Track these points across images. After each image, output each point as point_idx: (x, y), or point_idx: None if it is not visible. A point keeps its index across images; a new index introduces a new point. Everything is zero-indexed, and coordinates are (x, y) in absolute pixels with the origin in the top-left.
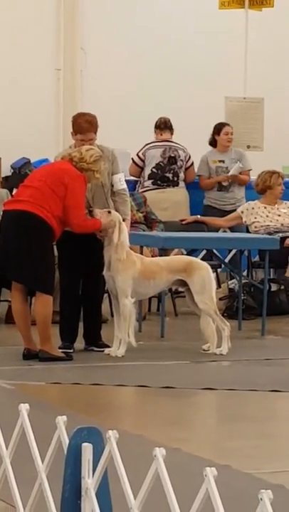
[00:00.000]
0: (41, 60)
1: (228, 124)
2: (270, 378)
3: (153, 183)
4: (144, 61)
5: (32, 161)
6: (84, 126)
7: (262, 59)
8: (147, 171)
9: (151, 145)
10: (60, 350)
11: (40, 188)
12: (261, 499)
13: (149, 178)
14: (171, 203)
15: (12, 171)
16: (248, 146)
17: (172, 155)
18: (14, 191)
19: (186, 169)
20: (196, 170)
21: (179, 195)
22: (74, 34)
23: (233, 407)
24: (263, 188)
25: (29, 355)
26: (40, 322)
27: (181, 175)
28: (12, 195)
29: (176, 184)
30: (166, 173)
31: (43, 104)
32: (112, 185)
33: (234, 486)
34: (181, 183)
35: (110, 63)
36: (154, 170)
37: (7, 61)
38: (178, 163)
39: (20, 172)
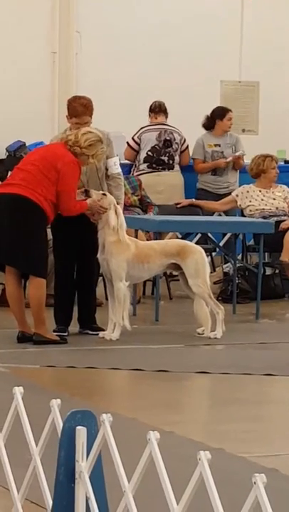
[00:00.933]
0: (36, 42)
1: (230, 110)
2: (264, 362)
3: (148, 167)
4: (140, 44)
5: (27, 144)
6: (79, 109)
7: (257, 43)
8: (143, 155)
9: (146, 128)
10: (55, 334)
11: (33, 172)
12: (255, 483)
13: (144, 162)
14: (166, 186)
15: (7, 153)
16: (243, 130)
17: (168, 138)
18: (9, 174)
19: (182, 152)
20: (191, 153)
21: (174, 178)
22: (69, 17)
23: (227, 391)
24: (257, 173)
25: (23, 338)
26: (34, 305)
27: (177, 158)
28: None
29: (171, 167)
30: (161, 156)
31: (39, 87)
32: (107, 169)
33: (227, 470)
34: (177, 167)
35: (105, 46)
36: (149, 153)
37: (2, 44)
38: (173, 146)
39: (16, 155)
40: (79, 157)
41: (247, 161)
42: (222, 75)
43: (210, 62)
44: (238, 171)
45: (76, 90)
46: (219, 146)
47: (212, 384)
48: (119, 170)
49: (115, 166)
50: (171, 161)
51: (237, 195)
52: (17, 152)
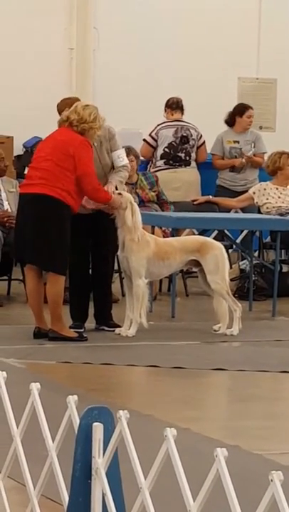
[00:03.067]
0: (54, 39)
1: (251, 108)
2: (281, 359)
3: (165, 163)
4: (157, 41)
5: None
6: (63, 108)
7: (275, 40)
8: (160, 151)
9: (163, 125)
10: (72, 330)
11: (49, 168)
12: (272, 480)
13: (161, 158)
14: (182, 182)
15: (24, 149)
16: (261, 127)
17: (184, 134)
18: (27, 170)
19: (198, 148)
20: (208, 149)
21: (190, 175)
22: (87, 13)
23: (243, 388)
24: (273, 170)
25: (40, 334)
26: (51, 302)
27: (193, 154)
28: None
29: (188, 164)
30: (178, 153)
31: (56, 84)
32: (112, 163)
33: (244, 467)
34: (193, 163)
35: (123, 43)
36: (166, 150)
37: (20, 40)
38: (190, 143)
39: (33, 151)
40: (87, 133)
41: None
42: (240, 72)
43: (228, 59)
44: (258, 168)
45: (93, 86)
46: (238, 142)
47: (228, 381)
48: (125, 161)
49: (120, 158)
50: (188, 158)
51: (254, 193)
52: (34, 148)
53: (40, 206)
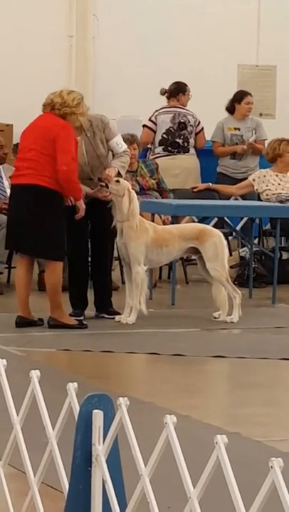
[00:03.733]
0: (54, 26)
1: (250, 94)
2: (281, 346)
3: (164, 150)
4: (157, 28)
5: None
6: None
7: (275, 27)
8: (158, 137)
9: (160, 111)
10: (72, 318)
11: (34, 158)
12: (272, 467)
13: (159, 145)
14: (181, 169)
15: None
16: (261, 114)
17: (182, 120)
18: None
19: (196, 135)
20: (210, 136)
21: (189, 161)
22: (86, 0)
23: (244, 375)
24: (273, 157)
25: (22, 323)
26: (49, 289)
27: (192, 141)
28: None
29: (186, 150)
30: (176, 139)
31: (55, 71)
32: (112, 152)
33: (244, 454)
34: (192, 150)
35: (123, 30)
36: (164, 136)
37: (19, 28)
38: (188, 129)
39: None
40: (69, 117)
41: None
42: (239, 59)
43: (227, 46)
44: (259, 155)
45: (93, 74)
46: (239, 129)
47: (228, 368)
48: (124, 147)
49: (118, 145)
50: (186, 144)
51: (254, 180)
52: None
53: (30, 196)
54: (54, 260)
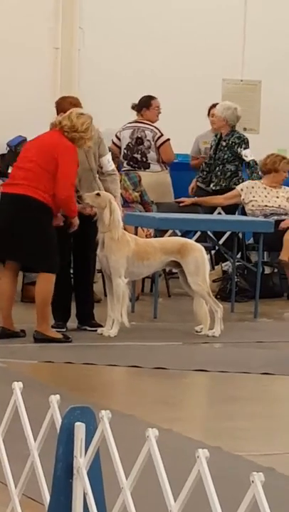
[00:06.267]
0: (39, 38)
1: (214, 105)
2: (262, 361)
3: (127, 164)
4: (142, 42)
5: (28, 139)
6: (68, 107)
7: (260, 42)
8: (122, 152)
9: (124, 126)
10: (54, 330)
11: (33, 170)
12: (253, 481)
13: (124, 159)
14: (145, 185)
15: (8, 148)
16: (245, 129)
17: (139, 135)
18: (10, 169)
19: (158, 148)
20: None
21: (149, 178)
22: (72, 13)
23: (225, 389)
24: (270, 169)
25: (4, 335)
26: (41, 301)
27: (150, 155)
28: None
29: (146, 166)
30: (134, 154)
31: (41, 83)
32: (101, 168)
33: (225, 468)
34: (154, 165)
35: (108, 43)
36: (124, 151)
37: (5, 39)
38: (144, 144)
39: (17, 150)
40: (76, 142)
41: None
42: (224, 74)
43: (212, 61)
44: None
45: (78, 86)
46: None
47: (210, 382)
48: (113, 166)
49: (109, 163)
50: (144, 159)
51: (242, 190)
52: (18, 147)
53: (22, 207)
54: (47, 272)
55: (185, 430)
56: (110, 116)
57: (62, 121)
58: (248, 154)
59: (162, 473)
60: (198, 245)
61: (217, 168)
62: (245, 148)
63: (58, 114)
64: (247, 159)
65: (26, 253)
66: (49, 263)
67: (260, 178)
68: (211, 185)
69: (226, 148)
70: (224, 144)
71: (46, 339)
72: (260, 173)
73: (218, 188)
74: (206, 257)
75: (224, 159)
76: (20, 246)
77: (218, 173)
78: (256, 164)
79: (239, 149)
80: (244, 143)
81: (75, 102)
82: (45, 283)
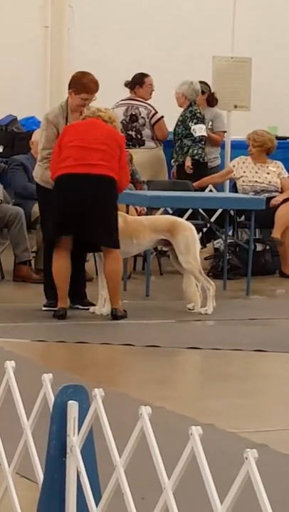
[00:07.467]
0: (29, 17)
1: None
2: (255, 338)
3: None
4: (132, 20)
5: (19, 119)
6: (91, 85)
7: (250, 18)
8: None
9: (117, 104)
10: (45, 308)
11: (108, 151)
12: (246, 458)
13: None
14: (137, 164)
15: None
16: (235, 106)
17: (133, 113)
18: (1, 149)
19: (153, 126)
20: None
21: (142, 156)
22: None
23: (218, 367)
24: (269, 148)
25: (63, 315)
26: (114, 279)
27: (145, 132)
28: None
29: (141, 143)
30: (128, 131)
31: (30, 62)
32: None
33: (218, 445)
34: (149, 142)
35: (98, 21)
36: None
37: None
38: (139, 121)
39: (7, 129)
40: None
41: (239, 136)
42: (214, 51)
43: (202, 38)
44: (218, 146)
45: (68, 65)
46: None
47: (203, 359)
48: None
49: None
50: (139, 136)
51: (234, 166)
52: (8, 126)
53: (105, 187)
54: (115, 248)
55: (178, 408)
56: (101, 95)
57: (97, 113)
58: (196, 129)
59: (156, 451)
60: (188, 223)
61: (176, 144)
62: (196, 123)
63: (75, 89)
64: (195, 134)
65: (97, 230)
66: (115, 239)
67: (201, 154)
68: (172, 161)
69: (180, 123)
70: (181, 118)
71: (124, 316)
72: (200, 151)
73: (177, 163)
74: (197, 235)
75: (180, 134)
76: (92, 223)
77: (177, 148)
78: (201, 141)
79: (190, 124)
80: (196, 117)
81: (96, 80)
82: (117, 262)
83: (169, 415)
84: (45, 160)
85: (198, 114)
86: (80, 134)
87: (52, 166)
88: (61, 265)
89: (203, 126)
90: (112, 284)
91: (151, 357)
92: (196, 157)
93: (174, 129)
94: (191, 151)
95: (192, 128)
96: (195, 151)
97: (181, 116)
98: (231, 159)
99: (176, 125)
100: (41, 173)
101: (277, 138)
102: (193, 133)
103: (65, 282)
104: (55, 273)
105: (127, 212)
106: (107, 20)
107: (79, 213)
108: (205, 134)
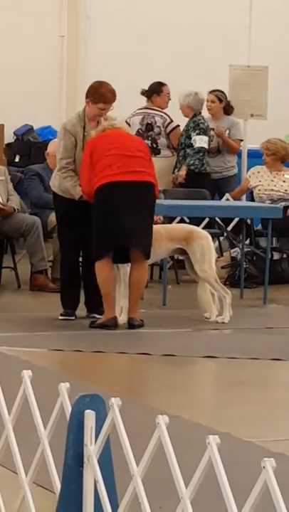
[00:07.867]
0: (45, 26)
1: (211, 92)
2: (271, 347)
3: None
4: (148, 29)
5: (35, 128)
6: (108, 95)
7: (267, 27)
8: None
9: (134, 113)
10: (62, 318)
11: (145, 158)
12: (264, 467)
13: None
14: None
15: (15, 137)
16: (252, 115)
17: (149, 122)
18: (17, 158)
19: (168, 134)
20: None
21: (158, 164)
22: (78, 1)
23: (234, 375)
24: (283, 156)
25: (117, 324)
26: (140, 288)
27: (161, 141)
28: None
29: (157, 152)
30: (145, 140)
31: (47, 72)
32: None
33: (235, 454)
34: (164, 151)
35: (114, 31)
36: None
37: (11, 28)
38: (155, 130)
39: (23, 139)
40: None
41: (254, 145)
42: (231, 60)
43: (219, 47)
44: (235, 155)
45: (84, 75)
46: (213, 129)
47: (219, 368)
48: None
49: None
50: (154, 145)
51: (249, 176)
52: (24, 136)
53: (149, 194)
54: (148, 259)
55: (194, 417)
56: (117, 106)
57: (115, 125)
58: (197, 140)
59: (173, 460)
60: (204, 232)
61: (180, 153)
62: (198, 134)
63: (93, 98)
64: (195, 145)
65: (143, 240)
66: (150, 250)
67: (198, 165)
68: (175, 170)
69: (184, 134)
70: (185, 128)
71: (142, 325)
72: (197, 161)
73: (178, 172)
74: (212, 244)
75: (184, 144)
76: (139, 232)
77: (180, 158)
78: (200, 153)
79: (193, 134)
80: (198, 128)
81: (114, 90)
82: (145, 272)
83: (186, 424)
84: (63, 170)
85: (201, 125)
86: (117, 142)
87: (84, 177)
88: (108, 274)
89: (204, 137)
90: (135, 294)
91: (167, 366)
92: (192, 167)
93: (178, 139)
94: (188, 160)
95: (193, 138)
96: (192, 161)
97: (186, 126)
98: (248, 168)
99: (181, 135)
100: (59, 183)
101: None
102: (194, 143)
103: (114, 290)
104: (105, 282)
105: None
106: (124, 30)
107: (129, 222)
108: (205, 145)
